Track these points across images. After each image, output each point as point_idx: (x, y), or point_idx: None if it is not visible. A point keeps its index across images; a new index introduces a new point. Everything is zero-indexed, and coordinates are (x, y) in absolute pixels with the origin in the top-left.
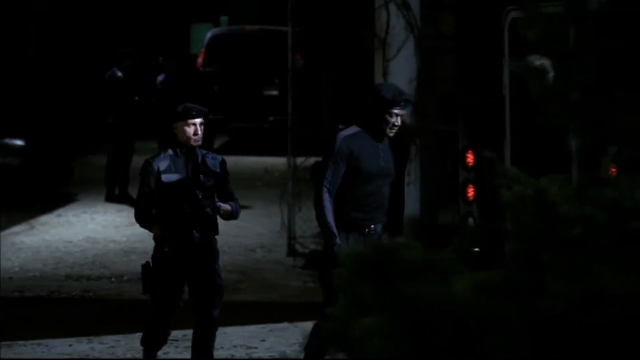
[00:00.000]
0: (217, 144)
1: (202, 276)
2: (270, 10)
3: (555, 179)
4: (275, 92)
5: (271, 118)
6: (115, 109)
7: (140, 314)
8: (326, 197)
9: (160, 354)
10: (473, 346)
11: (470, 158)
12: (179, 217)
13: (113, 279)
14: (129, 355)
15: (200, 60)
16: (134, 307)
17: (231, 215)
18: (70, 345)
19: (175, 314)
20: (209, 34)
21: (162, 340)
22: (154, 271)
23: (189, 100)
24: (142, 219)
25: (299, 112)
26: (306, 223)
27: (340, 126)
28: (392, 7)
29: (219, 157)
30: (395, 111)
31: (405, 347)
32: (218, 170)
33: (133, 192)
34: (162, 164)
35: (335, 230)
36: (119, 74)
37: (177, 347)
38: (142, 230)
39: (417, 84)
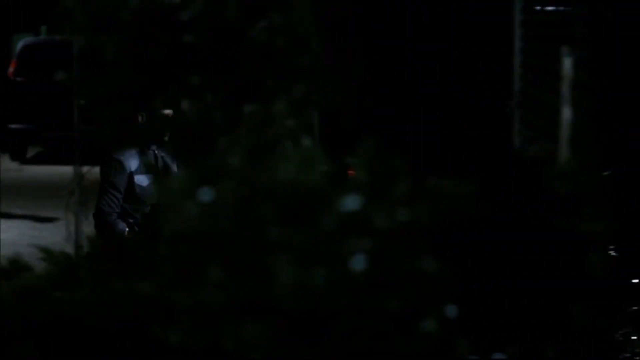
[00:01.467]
0: (29, 154)
1: None
2: None
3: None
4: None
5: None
6: None
7: None
8: None
9: None
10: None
11: None
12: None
13: None
14: None
15: (11, 69)
16: None
17: None
18: None
19: None
20: (20, 44)
21: None
22: None
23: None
24: (108, 224)
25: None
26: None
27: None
28: None
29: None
30: None
31: None
32: (176, 169)
33: None
34: (133, 163)
35: None
36: None
37: None
38: None
39: None
